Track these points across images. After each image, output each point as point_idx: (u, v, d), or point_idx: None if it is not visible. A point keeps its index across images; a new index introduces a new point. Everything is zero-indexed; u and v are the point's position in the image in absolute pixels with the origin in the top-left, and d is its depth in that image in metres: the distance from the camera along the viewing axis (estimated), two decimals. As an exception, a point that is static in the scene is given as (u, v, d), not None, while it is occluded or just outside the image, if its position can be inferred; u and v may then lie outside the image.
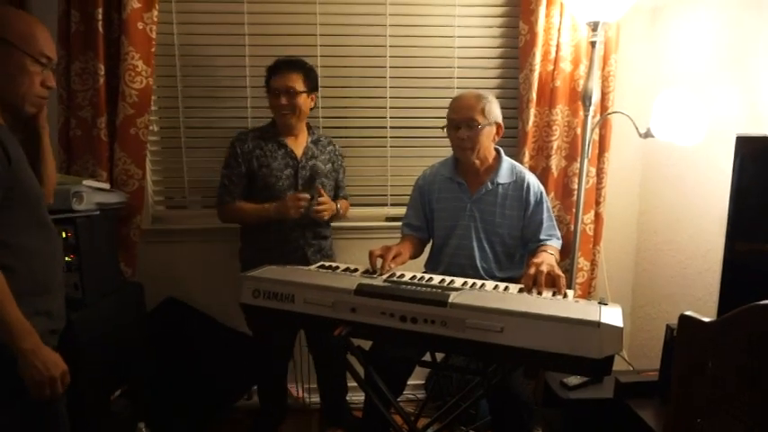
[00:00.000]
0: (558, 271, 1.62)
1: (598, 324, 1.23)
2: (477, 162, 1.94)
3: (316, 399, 2.59)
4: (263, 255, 2.03)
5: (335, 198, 2.30)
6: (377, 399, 1.69)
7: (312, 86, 2.16)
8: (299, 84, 2.10)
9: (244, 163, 2.15)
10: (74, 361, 1.84)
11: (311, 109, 2.22)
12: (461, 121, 1.88)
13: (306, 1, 2.47)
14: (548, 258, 1.73)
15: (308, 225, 2.18)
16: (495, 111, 1.90)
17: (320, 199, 2.10)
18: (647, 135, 2.12)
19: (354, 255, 2.38)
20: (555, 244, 1.95)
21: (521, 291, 1.59)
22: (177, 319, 2.52)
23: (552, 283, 1.60)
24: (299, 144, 2.20)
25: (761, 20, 1.88)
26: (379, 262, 1.76)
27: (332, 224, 2.35)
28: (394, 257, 1.79)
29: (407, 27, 2.52)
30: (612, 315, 1.29)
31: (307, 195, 2.05)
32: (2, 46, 1.31)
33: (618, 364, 2.19)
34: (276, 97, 2.10)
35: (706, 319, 1.10)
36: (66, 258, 1.88)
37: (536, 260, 1.69)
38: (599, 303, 1.40)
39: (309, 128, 2.27)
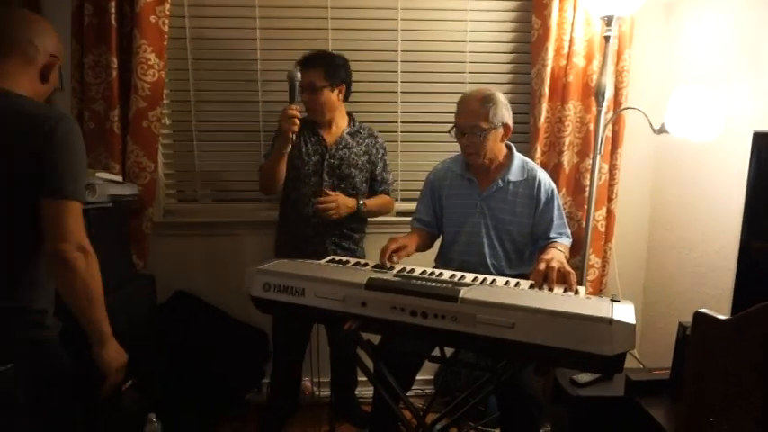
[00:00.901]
0: (569, 267, 1.61)
1: (610, 321, 1.22)
2: (487, 162, 1.92)
3: (325, 392, 2.60)
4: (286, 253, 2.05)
5: (373, 192, 2.28)
6: (386, 393, 1.69)
7: (336, 79, 2.14)
8: (318, 79, 2.10)
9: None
10: (85, 353, 1.88)
11: (345, 99, 2.21)
12: (466, 127, 1.86)
13: (318, -4, 2.47)
14: (557, 255, 1.72)
15: (333, 228, 2.17)
16: (501, 112, 1.85)
17: (320, 199, 2.09)
18: (662, 131, 2.10)
19: (367, 250, 2.38)
20: (565, 242, 1.94)
21: (531, 287, 1.58)
22: (187, 312, 2.54)
23: (563, 279, 1.59)
24: (333, 134, 2.21)
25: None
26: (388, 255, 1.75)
27: (364, 231, 2.33)
28: (398, 249, 1.78)
29: (419, 21, 2.52)
30: (625, 312, 1.28)
31: (297, 108, 2.00)
32: (54, 61, 1.39)
33: (628, 362, 2.17)
34: (303, 93, 2.12)
35: (721, 317, 1.09)
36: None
37: (546, 257, 1.68)
38: (611, 300, 1.39)
39: (352, 118, 2.27)
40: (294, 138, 2.03)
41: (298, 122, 2.00)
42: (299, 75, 2.02)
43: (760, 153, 1.56)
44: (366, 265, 1.75)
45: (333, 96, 2.15)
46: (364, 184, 2.24)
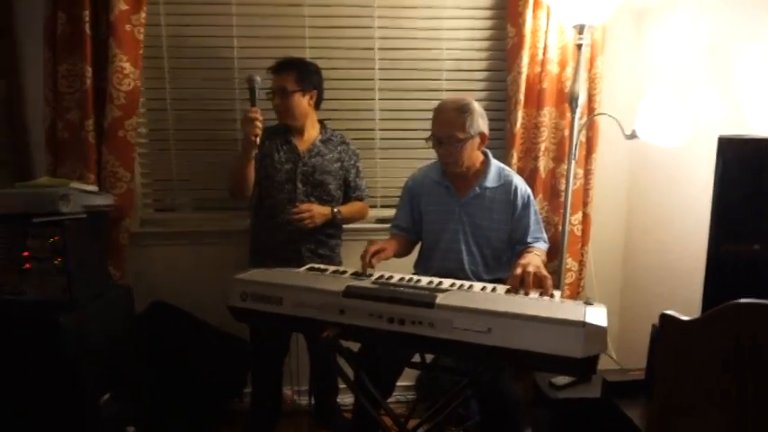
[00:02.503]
0: (545, 272, 1.64)
1: (583, 324, 1.25)
2: (464, 169, 1.94)
3: (305, 400, 2.59)
4: (259, 252, 2.12)
5: (347, 199, 2.30)
6: (366, 400, 1.69)
7: (308, 85, 2.16)
8: (290, 83, 2.12)
9: (259, 151, 2.16)
10: (61, 365, 1.86)
11: (317, 107, 2.24)
12: (443, 137, 1.87)
13: (295, 3, 2.48)
14: (534, 260, 1.74)
15: (308, 235, 2.18)
16: (477, 122, 1.87)
17: (295, 210, 2.10)
18: (633, 136, 2.14)
19: (344, 256, 2.38)
20: (542, 246, 1.97)
21: (508, 292, 1.60)
22: (166, 322, 2.51)
23: (539, 284, 1.61)
24: (305, 141, 2.22)
25: (743, 23, 1.91)
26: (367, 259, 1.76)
27: (340, 237, 2.34)
28: (378, 251, 1.79)
29: (396, 29, 2.54)
30: (597, 315, 1.30)
31: (255, 109, 2.03)
32: None
33: (606, 364, 2.22)
34: (273, 98, 2.13)
35: (686, 318, 1.12)
36: (54, 261, 1.88)
37: (522, 261, 1.70)
38: (584, 303, 1.42)
39: (324, 126, 2.28)
40: (257, 141, 2.05)
41: (259, 125, 2.02)
42: (258, 78, 2.05)
43: (725, 157, 1.61)
44: (345, 272, 1.76)
45: (304, 102, 2.17)
46: (338, 191, 2.25)
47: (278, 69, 2.14)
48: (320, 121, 2.28)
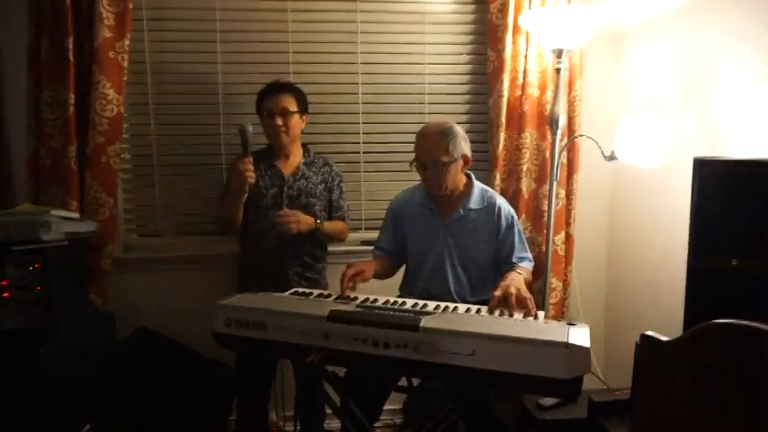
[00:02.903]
0: (526, 293, 1.65)
1: (566, 345, 1.26)
2: (448, 192, 1.96)
3: (291, 427, 2.55)
4: (246, 279, 2.11)
5: (330, 219, 2.29)
6: (352, 426, 1.68)
7: (303, 108, 2.20)
8: (292, 105, 2.15)
9: None
10: (41, 395, 1.82)
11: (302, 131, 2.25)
12: (427, 161, 1.89)
13: (279, 30, 2.52)
14: (516, 280, 1.75)
15: (295, 258, 2.18)
16: (460, 145, 1.89)
17: (282, 212, 2.09)
18: (612, 158, 2.19)
19: (329, 279, 2.37)
20: (527, 266, 1.98)
21: (491, 313, 1.61)
22: (149, 348, 2.47)
23: (521, 305, 1.62)
24: (289, 165, 2.22)
25: (717, 46, 1.97)
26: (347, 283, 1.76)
27: (326, 260, 2.33)
28: (355, 275, 1.79)
29: (379, 54, 2.58)
30: (580, 335, 1.31)
31: (248, 158, 2.02)
32: None
33: (592, 383, 2.22)
34: (270, 117, 2.13)
35: (665, 339, 1.13)
36: (34, 290, 1.85)
37: (504, 283, 1.71)
38: (568, 324, 1.43)
39: (306, 149, 2.29)
40: (249, 188, 2.07)
41: (252, 175, 2.04)
42: (250, 128, 2.05)
43: (701, 176, 1.65)
44: (329, 296, 1.76)
45: (301, 124, 2.20)
46: (323, 212, 2.25)
47: (280, 90, 2.15)
48: (303, 145, 2.30)
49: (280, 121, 2.13)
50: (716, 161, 1.67)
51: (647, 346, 1.14)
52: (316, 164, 2.27)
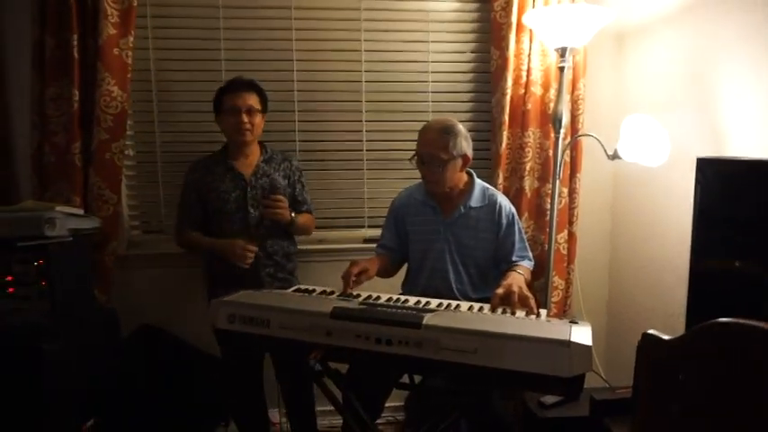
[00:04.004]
0: (527, 292, 1.65)
1: (568, 343, 1.26)
2: (447, 190, 1.96)
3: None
4: (217, 279, 2.14)
5: (297, 213, 2.27)
6: (354, 422, 1.68)
7: (265, 107, 2.20)
8: (256, 103, 2.14)
9: (193, 192, 2.18)
10: (44, 390, 1.83)
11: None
12: (426, 156, 1.89)
13: (282, 27, 2.52)
14: (517, 279, 1.76)
15: (266, 259, 2.18)
16: (460, 144, 1.89)
17: (273, 197, 2.09)
18: (615, 156, 2.19)
19: (333, 277, 2.37)
20: (526, 264, 1.99)
21: (493, 311, 1.61)
22: (153, 345, 2.48)
23: (522, 303, 1.62)
24: (248, 165, 2.19)
25: (720, 45, 1.97)
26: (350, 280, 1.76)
27: (295, 260, 2.33)
28: (360, 273, 1.80)
29: (382, 53, 2.58)
30: (582, 334, 1.32)
31: (255, 248, 2.07)
32: None
33: (594, 381, 2.22)
34: (235, 115, 2.10)
35: (666, 337, 1.13)
36: (38, 286, 1.86)
37: (506, 282, 1.72)
38: (570, 322, 1.43)
39: (263, 147, 2.26)
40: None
41: (250, 261, 2.06)
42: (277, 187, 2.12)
43: (704, 177, 1.64)
44: (332, 293, 1.76)
45: (262, 123, 2.19)
46: (289, 208, 2.23)
47: (245, 87, 2.13)
48: (260, 143, 2.27)
49: (246, 118, 2.10)
50: (719, 161, 1.67)
51: (648, 344, 1.14)
52: (275, 159, 2.25)
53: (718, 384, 1.07)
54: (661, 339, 1.13)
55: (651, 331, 1.15)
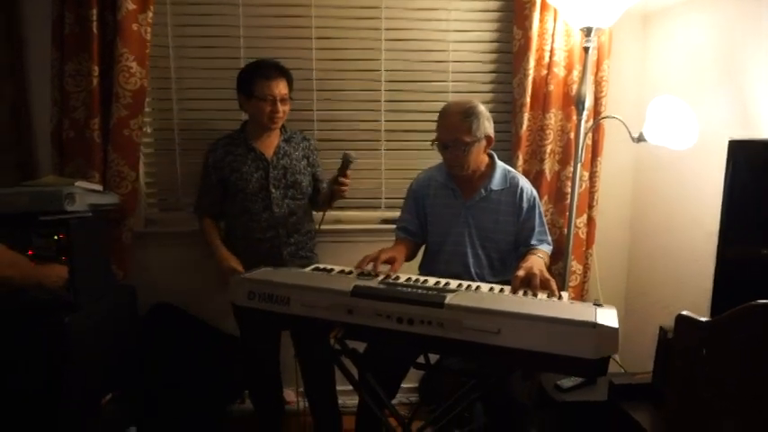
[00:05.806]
0: (548, 275, 1.63)
1: (594, 325, 1.24)
2: (470, 173, 1.93)
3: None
4: (237, 256, 2.13)
5: (317, 191, 2.28)
6: (371, 400, 1.68)
7: (291, 91, 2.17)
8: (287, 90, 2.11)
9: (215, 172, 2.15)
10: (64, 364, 1.85)
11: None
12: (449, 141, 1.86)
13: (302, 4, 2.48)
14: (537, 262, 1.73)
15: (287, 238, 2.17)
16: (483, 125, 1.85)
17: (346, 181, 2.10)
18: (640, 139, 2.14)
19: (349, 257, 2.35)
20: (545, 248, 1.96)
21: (515, 293, 1.59)
22: (169, 323, 2.50)
23: (543, 286, 1.60)
24: (269, 145, 2.18)
25: (751, 25, 1.91)
26: (371, 265, 1.74)
27: (315, 237, 2.32)
28: (389, 261, 1.78)
29: (403, 30, 2.54)
30: (608, 316, 1.30)
31: (241, 270, 2.05)
32: None
33: (611, 367, 2.20)
34: (269, 104, 2.07)
35: (703, 319, 1.11)
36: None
37: (526, 264, 1.69)
38: (594, 305, 1.41)
39: (282, 126, 2.23)
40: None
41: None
42: (354, 154, 2.08)
43: (736, 160, 1.60)
44: (351, 272, 1.75)
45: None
46: (309, 188, 2.23)
47: (276, 73, 2.08)
48: None
49: (280, 107, 2.08)
50: (752, 143, 1.62)
51: (683, 326, 1.12)
52: (294, 139, 2.23)
53: (757, 367, 1.04)
54: (698, 321, 1.10)
55: (685, 312, 1.12)
